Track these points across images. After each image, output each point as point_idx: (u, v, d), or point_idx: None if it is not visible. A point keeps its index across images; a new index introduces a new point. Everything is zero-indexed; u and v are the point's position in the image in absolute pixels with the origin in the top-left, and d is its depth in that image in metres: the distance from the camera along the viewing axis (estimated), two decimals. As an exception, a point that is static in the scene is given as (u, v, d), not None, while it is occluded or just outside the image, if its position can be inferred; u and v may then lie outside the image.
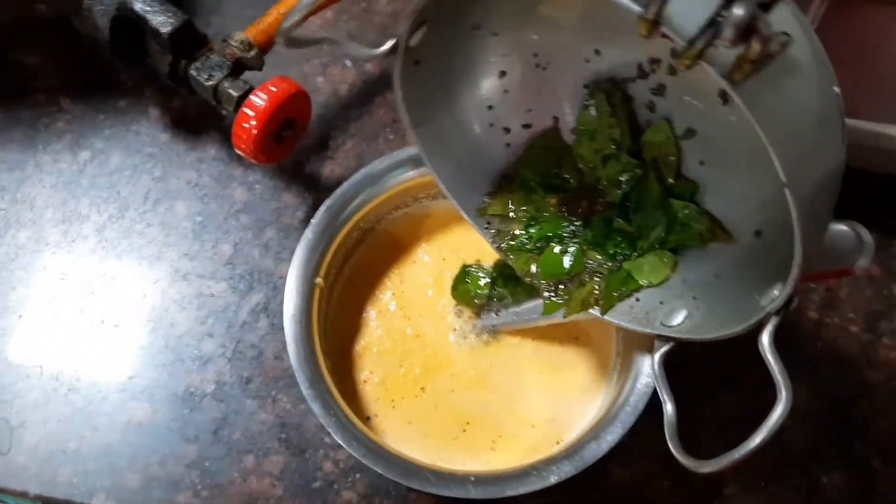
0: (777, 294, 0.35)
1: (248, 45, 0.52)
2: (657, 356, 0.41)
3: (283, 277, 0.55)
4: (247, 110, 0.49)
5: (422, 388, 0.49)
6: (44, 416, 0.52)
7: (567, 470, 0.42)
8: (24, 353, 0.53)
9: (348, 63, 0.62)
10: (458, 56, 0.43)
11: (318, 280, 0.47)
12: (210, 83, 0.51)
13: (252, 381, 0.53)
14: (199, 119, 0.60)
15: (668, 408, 0.40)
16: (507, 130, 0.46)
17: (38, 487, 0.50)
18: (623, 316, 0.43)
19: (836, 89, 0.32)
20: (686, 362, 0.45)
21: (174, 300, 0.55)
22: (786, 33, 0.26)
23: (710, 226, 0.42)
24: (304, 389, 0.43)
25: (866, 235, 0.33)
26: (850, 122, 0.51)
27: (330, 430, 0.42)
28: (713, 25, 0.26)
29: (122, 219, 0.57)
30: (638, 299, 0.43)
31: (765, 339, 0.34)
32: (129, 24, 0.52)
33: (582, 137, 0.45)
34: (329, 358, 0.47)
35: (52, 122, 0.60)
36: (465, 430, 0.47)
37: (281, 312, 0.54)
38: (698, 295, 0.42)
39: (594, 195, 0.45)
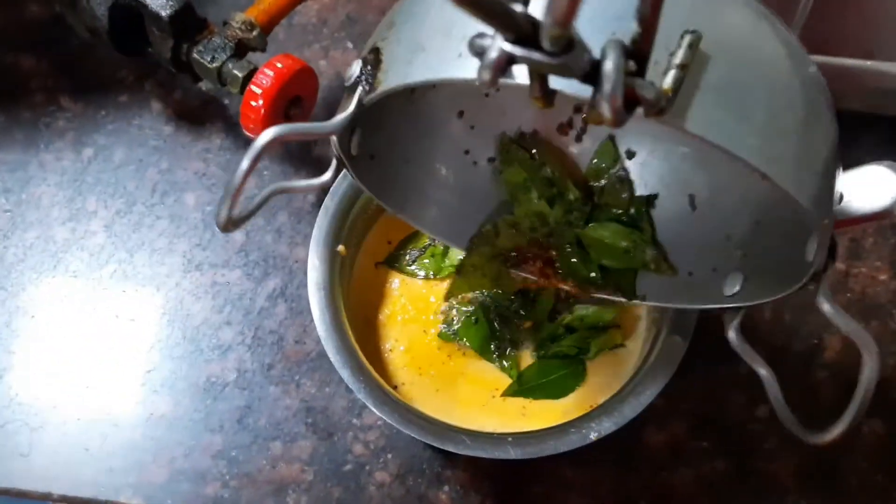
0: (816, 248, 0.34)
1: (250, 26, 0.51)
2: (731, 332, 0.40)
3: (299, 261, 0.54)
4: (254, 88, 0.48)
5: (448, 355, 0.47)
6: (63, 416, 0.51)
7: (607, 426, 0.40)
8: (38, 354, 0.52)
9: (350, 45, 0.61)
10: (407, 127, 0.42)
11: (340, 248, 0.46)
12: (214, 65, 0.50)
13: (274, 367, 0.52)
14: (202, 109, 0.59)
15: (765, 374, 0.38)
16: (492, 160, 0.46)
17: (62, 488, 0.49)
18: (685, 297, 0.42)
19: (812, 69, 0.30)
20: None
21: (189, 291, 0.54)
22: (694, 33, 0.25)
23: (656, 256, 0.42)
24: (332, 356, 0.42)
25: None
26: (868, 63, 0.51)
27: (360, 396, 0.41)
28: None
29: (130, 213, 0.56)
30: (691, 273, 0.42)
31: (824, 304, 0.33)
32: (128, 12, 0.51)
33: (516, 196, 0.44)
34: (353, 328, 0.45)
35: (53, 122, 0.59)
36: (493, 397, 0.46)
37: (299, 297, 0.53)
38: (746, 250, 0.41)
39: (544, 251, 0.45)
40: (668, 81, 0.25)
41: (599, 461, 0.49)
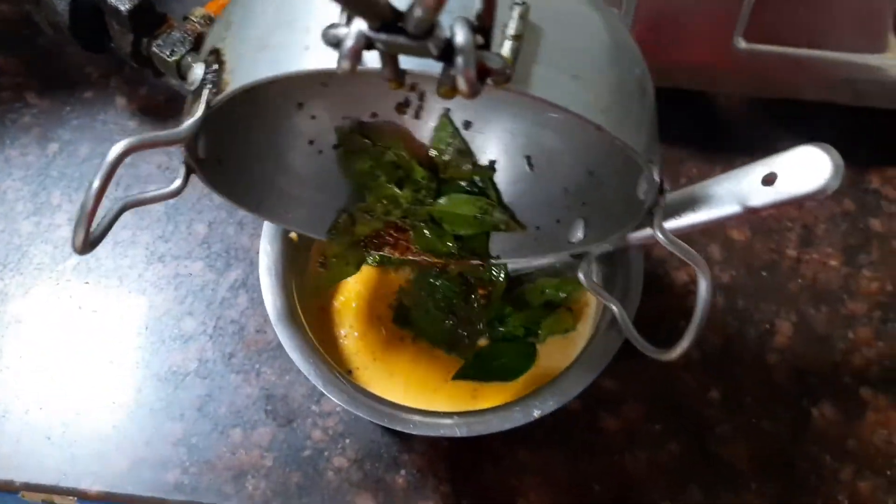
0: (647, 186, 0.35)
1: (209, 19, 0.52)
2: (581, 274, 0.42)
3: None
4: (211, 80, 0.48)
5: (401, 339, 0.48)
6: (25, 405, 0.51)
7: (550, 405, 0.41)
8: (1, 344, 0.53)
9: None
10: (249, 125, 0.42)
11: (293, 234, 0.47)
12: (173, 59, 0.51)
13: (235, 356, 0.52)
14: (165, 105, 0.60)
15: (615, 308, 0.40)
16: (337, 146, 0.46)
17: (25, 476, 0.50)
18: (535, 249, 0.44)
19: (625, 33, 0.32)
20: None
21: (151, 282, 0.54)
22: (522, 4, 0.26)
23: (504, 218, 0.44)
24: (283, 339, 0.43)
25: (835, 156, 0.33)
26: (818, 53, 0.52)
27: (310, 378, 0.42)
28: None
29: (94, 206, 0.56)
30: (538, 227, 0.44)
31: (658, 235, 0.35)
32: (89, 7, 0.52)
33: (365, 183, 0.45)
34: (308, 314, 0.46)
35: (19, 118, 0.59)
36: (446, 381, 0.47)
37: (260, 288, 0.53)
38: (584, 199, 0.42)
39: (401, 231, 0.46)
40: (506, 51, 0.26)
41: (554, 444, 0.50)
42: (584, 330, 0.47)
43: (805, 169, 0.33)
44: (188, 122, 0.32)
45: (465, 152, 0.44)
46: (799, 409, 0.51)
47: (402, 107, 0.44)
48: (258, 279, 0.54)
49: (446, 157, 0.43)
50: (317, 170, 0.44)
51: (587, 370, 0.42)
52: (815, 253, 0.55)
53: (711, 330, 0.53)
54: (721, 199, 0.36)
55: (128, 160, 0.57)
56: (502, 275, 0.48)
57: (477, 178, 0.44)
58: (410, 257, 0.44)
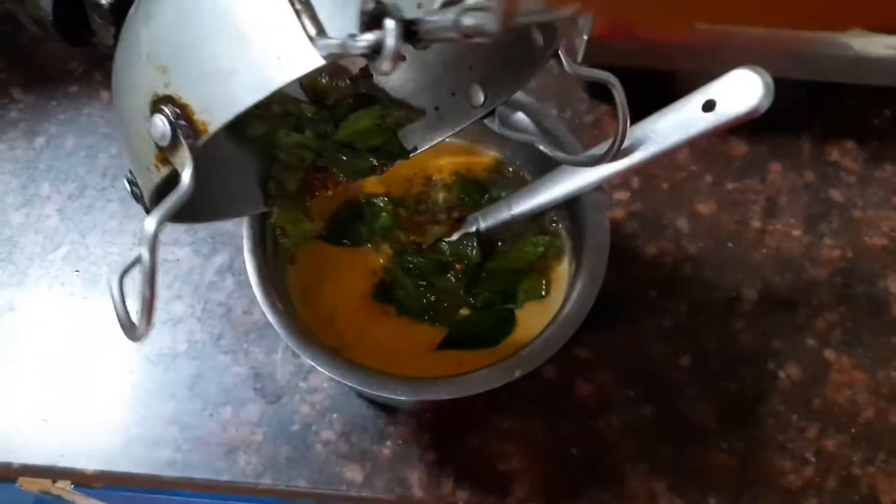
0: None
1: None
2: (496, 126, 0.44)
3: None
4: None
5: (385, 314, 0.50)
6: (21, 389, 0.53)
7: (530, 363, 0.43)
8: (-4, 332, 0.55)
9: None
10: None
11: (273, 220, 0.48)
12: (155, 51, 0.52)
13: (223, 337, 0.54)
14: (149, 97, 0.61)
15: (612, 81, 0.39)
16: None
17: (22, 457, 0.51)
18: (446, 128, 0.46)
19: None
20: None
21: (139, 269, 0.56)
22: None
23: (402, 114, 0.45)
24: (271, 319, 0.44)
25: (765, 76, 0.36)
26: (775, 32, 0.54)
27: (290, 344, 0.43)
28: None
29: (81, 197, 0.58)
30: (438, 107, 0.45)
31: (566, 67, 0.36)
32: (71, 2, 0.53)
33: (270, 143, 0.44)
34: (295, 294, 0.48)
35: (5, 113, 0.61)
36: (430, 350, 0.49)
37: (245, 271, 0.55)
38: (470, 64, 0.44)
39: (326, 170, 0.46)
40: None
41: (532, 413, 0.52)
42: (558, 295, 0.49)
43: (740, 91, 0.37)
44: (187, 177, 0.30)
45: (338, 70, 0.44)
46: (765, 372, 0.54)
47: None
48: (244, 263, 0.55)
49: (324, 82, 0.43)
50: (223, 158, 0.44)
51: (562, 330, 0.44)
52: (778, 223, 0.58)
53: (680, 299, 0.55)
54: (667, 131, 0.40)
55: (113, 151, 0.59)
56: (474, 250, 0.50)
57: (361, 89, 0.44)
58: (343, 188, 0.45)
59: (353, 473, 0.51)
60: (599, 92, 0.62)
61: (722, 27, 0.53)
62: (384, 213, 0.52)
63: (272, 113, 0.43)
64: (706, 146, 0.60)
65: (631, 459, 0.51)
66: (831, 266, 0.57)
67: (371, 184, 0.53)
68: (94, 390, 0.53)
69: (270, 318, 0.44)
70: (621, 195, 0.58)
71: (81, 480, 0.52)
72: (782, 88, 0.58)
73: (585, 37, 0.54)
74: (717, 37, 0.53)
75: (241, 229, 0.56)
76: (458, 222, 0.51)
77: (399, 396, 0.43)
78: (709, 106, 0.38)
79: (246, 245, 0.47)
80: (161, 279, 0.56)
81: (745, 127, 0.60)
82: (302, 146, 0.44)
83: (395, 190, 0.53)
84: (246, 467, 0.51)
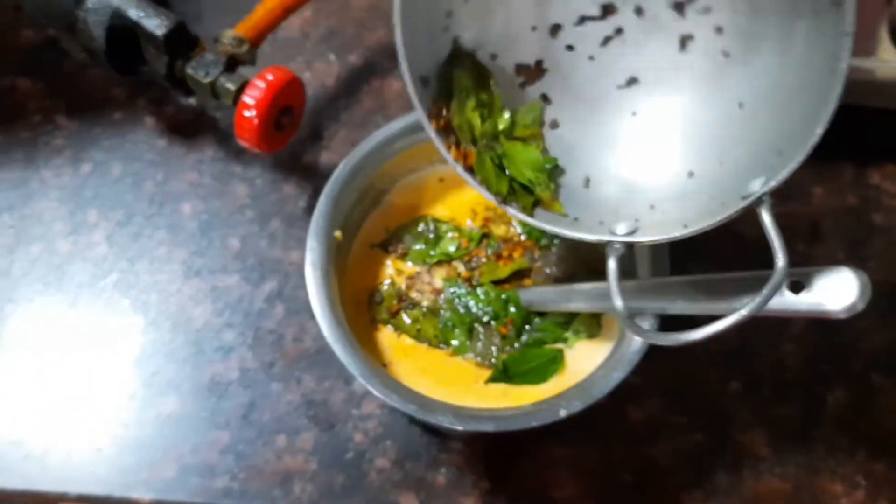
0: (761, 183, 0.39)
1: (240, 41, 0.54)
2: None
3: (293, 264, 0.57)
4: (246, 99, 0.51)
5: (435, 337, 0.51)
6: (74, 419, 0.53)
7: (576, 405, 0.43)
8: (50, 360, 0.55)
9: (332, 57, 0.64)
10: None
11: (337, 233, 0.49)
12: (207, 80, 0.53)
13: (275, 365, 0.54)
14: (193, 123, 0.62)
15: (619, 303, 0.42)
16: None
17: (77, 488, 0.51)
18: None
19: None
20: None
21: (189, 296, 0.56)
22: None
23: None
24: (325, 331, 0.45)
25: (864, 280, 0.36)
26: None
27: (349, 369, 0.44)
28: None
29: (129, 224, 0.58)
30: (653, 206, 0.45)
31: (765, 217, 0.38)
32: (124, 32, 0.54)
33: (459, 95, 0.46)
34: (347, 308, 0.49)
35: (51, 140, 0.61)
36: (477, 382, 0.49)
37: (295, 297, 0.56)
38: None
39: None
40: None
41: (584, 440, 0.53)
42: (610, 335, 0.50)
43: (835, 286, 0.36)
44: None
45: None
46: (814, 396, 0.54)
47: (522, 70, 0.47)
48: (292, 290, 0.56)
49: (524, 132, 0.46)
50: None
51: (612, 373, 0.44)
52: (822, 248, 0.58)
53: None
54: (743, 294, 0.39)
55: (159, 178, 0.60)
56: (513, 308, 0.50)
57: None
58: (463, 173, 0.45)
59: (409, 500, 0.51)
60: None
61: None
62: (450, 238, 0.52)
63: (481, 92, 0.46)
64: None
65: (685, 486, 0.51)
66: (876, 289, 0.55)
67: (436, 207, 0.54)
68: (148, 419, 0.53)
69: (328, 336, 0.45)
70: (665, 219, 0.59)
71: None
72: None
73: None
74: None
75: (288, 256, 0.57)
76: (519, 277, 0.52)
77: (443, 424, 0.43)
78: (796, 288, 0.37)
79: (308, 257, 0.48)
80: (211, 307, 0.56)
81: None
82: (470, 127, 0.46)
83: (459, 217, 0.54)
84: (301, 495, 0.51)
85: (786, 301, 0.38)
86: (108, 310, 0.56)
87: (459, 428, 0.43)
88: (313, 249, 0.47)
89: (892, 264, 0.58)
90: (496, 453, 0.52)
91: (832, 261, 0.58)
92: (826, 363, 0.55)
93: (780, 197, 0.59)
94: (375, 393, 0.44)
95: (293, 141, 0.60)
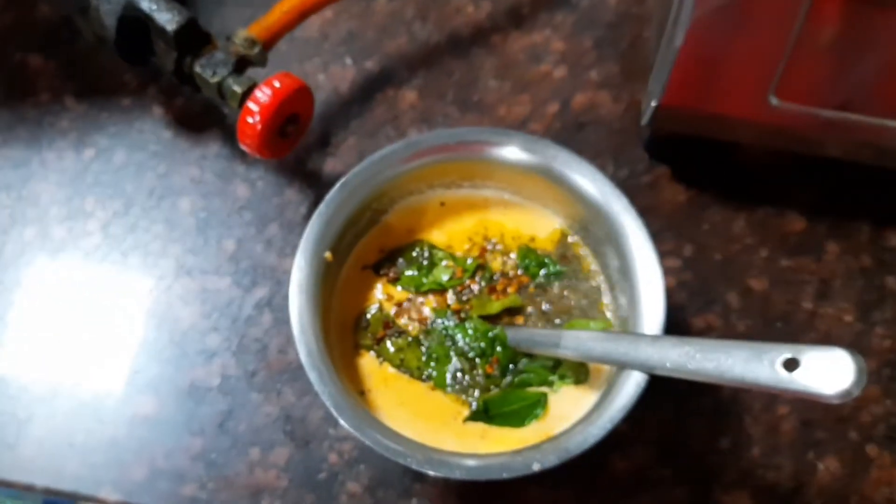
0: None
1: (252, 43, 0.53)
2: None
3: (287, 272, 0.55)
4: (251, 105, 0.49)
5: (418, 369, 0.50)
6: (51, 409, 0.52)
7: (550, 459, 0.42)
8: (31, 348, 0.54)
9: (349, 61, 0.63)
10: None
11: (327, 254, 0.48)
12: (214, 80, 0.52)
13: (257, 375, 0.53)
14: (201, 117, 0.61)
15: None
16: None
17: (45, 480, 0.51)
18: None
19: None
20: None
21: (178, 295, 0.55)
22: None
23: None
24: (303, 357, 0.44)
25: (861, 365, 0.34)
26: (845, 115, 0.53)
27: (323, 398, 0.43)
28: None
29: (126, 215, 0.58)
30: None
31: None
32: (135, 23, 0.52)
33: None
34: (332, 331, 0.48)
35: (57, 121, 0.60)
36: (455, 419, 0.48)
37: (285, 307, 0.54)
38: None
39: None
40: None
41: (564, 484, 0.51)
42: (598, 383, 0.48)
43: (830, 368, 0.34)
44: None
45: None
46: (804, 462, 0.52)
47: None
48: (283, 299, 0.55)
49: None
50: None
51: (590, 429, 0.43)
52: (830, 307, 0.56)
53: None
54: (733, 363, 0.38)
55: (161, 170, 0.59)
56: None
57: None
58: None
59: (377, 529, 0.50)
60: (659, 152, 0.60)
61: (796, 107, 0.52)
62: (445, 267, 0.51)
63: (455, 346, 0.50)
64: (763, 218, 0.59)
65: (661, 543, 0.50)
66: (881, 357, 0.55)
67: (434, 232, 0.53)
68: (124, 418, 0.52)
69: (305, 363, 0.44)
70: (672, 262, 0.57)
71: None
72: (845, 168, 0.58)
73: (654, 104, 0.53)
74: (792, 118, 0.52)
75: (283, 264, 0.56)
76: (510, 314, 0.51)
77: (411, 466, 0.42)
78: (789, 366, 0.36)
79: (294, 277, 0.47)
80: (199, 308, 0.55)
81: (806, 202, 0.59)
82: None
83: (456, 245, 0.52)
84: (269, 512, 0.50)
85: (779, 379, 0.36)
86: (95, 302, 0.55)
87: (426, 471, 0.42)
88: (301, 269, 0.46)
89: (902, 332, 0.56)
90: (471, 491, 0.51)
91: (838, 322, 0.56)
92: (821, 430, 0.53)
93: (790, 250, 0.58)
94: (346, 426, 0.42)
95: (300, 145, 0.59)
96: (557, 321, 0.50)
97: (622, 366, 0.44)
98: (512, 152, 0.49)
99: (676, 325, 0.56)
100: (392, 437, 0.43)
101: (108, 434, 0.52)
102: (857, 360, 0.34)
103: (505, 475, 0.42)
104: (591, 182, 0.48)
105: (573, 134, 0.61)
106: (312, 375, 0.43)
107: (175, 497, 0.51)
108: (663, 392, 0.53)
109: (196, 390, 0.53)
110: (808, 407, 0.53)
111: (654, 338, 0.43)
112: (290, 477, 0.51)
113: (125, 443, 0.52)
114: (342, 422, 0.43)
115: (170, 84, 0.61)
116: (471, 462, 0.42)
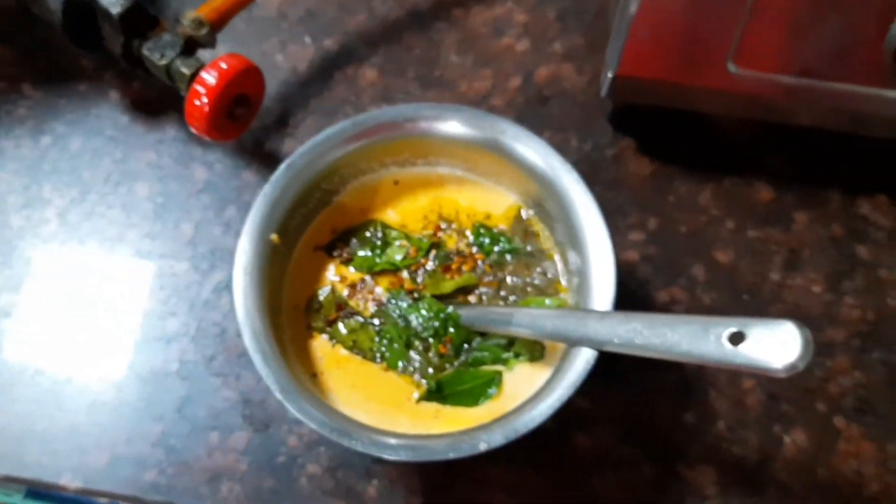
0: None
1: (200, 23, 0.52)
2: None
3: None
4: (197, 87, 0.49)
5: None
6: (11, 397, 0.52)
7: (497, 438, 0.41)
8: (-11, 338, 0.54)
9: (308, 39, 0.62)
10: None
11: (273, 236, 0.47)
12: (162, 62, 0.51)
13: (215, 359, 0.53)
14: (158, 100, 0.60)
15: None
16: None
17: (6, 468, 0.51)
18: None
19: None
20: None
21: (137, 281, 0.55)
22: None
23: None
24: (247, 341, 0.43)
25: (808, 337, 0.33)
26: (812, 82, 0.51)
27: (268, 383, 0.42)
28: None
29: (83, 202, 0.57)
30: None
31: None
32: (81, 8, 0.52)
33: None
34: (283, 313, 0.48)
35: (14, 109, 0.60)
36: (409, 399, 0.48)
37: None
38: None
39: None
40: None
41: (526, 463, 0.51)
42: (553, 360, 0.47)
43: (777, 341, 0.33)
44: None
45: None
46: (771, 436, 0.51)
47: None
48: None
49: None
50: None
51: (541, 409, 0.42)
52: (798, 278, 0.55)
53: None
54: (679, 339, 0.37)
55: (118, 155, 0.58)
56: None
57: None
58: None
59: (337, 511, 0.50)
60: (623, 125, 0.59)
61: (759, 74, 0.50)
62: (399, 247, 0.50)
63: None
64: (730, 188, 0.58)
65: (623, 520, 0.50)
66: (850, 328, 0.54)
67: (387, 211, 0.52)
68: (83, 405, 0.52)
69: (249, 347, 0.44)
70: (636, 236, 0.56)
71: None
72: (815, 136, 0.56)
73: (611, 74, 0.52)
74: (753, 85, 0.50)
75: (242, 246, 0.55)
76: (464, 293, 0.50)
77: (357, 448, 0.41)
78: (736, 339, 0.35)
79: (239, 261, 0.46)
80: (158, 293, 0.55)
81: (773, 171, 0.58)
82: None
83: (410, 223, 0.51)
84: (228, 496, 0.50)
85: (724, 353, 0.35)
86: (52, 289, 0.55)
87: (371, 453, 0.41)
88: (246, 252, 0.46)
89: (872, 302, 0.55)
90: (432, 469, 0.51)
91: (807, 293, 0.55)
92: (788, 402, 0.52)
93: (758, 220, 0.56)
94: (291, 410, 0.42)
95: (258, 126, 0.58)
96: (513, 299, 0.50)
97: (573, 343, 0.43)
98: (456, 127, 0.48)
99: (641, 299, 0.55)
100: (339, 420, 0.42)
101: (68, 421, 0.52)
102: (804, 332, 0.33)
103: (451, 455, 0.41)
104: (540, 156, 0.47)
105: (536, 108, 0.60)
106: (256, 359, 0.43)
107: (136, 483, 0.50)
108: (627, 369, 0.52)
109: (155, 376, 0.53)
110: (774, 380, 0.53)
111: (603, 314, 0.42)
112: (250, 460, 0.51)
113: (85, 430, 0.52)
114: (287, 405, 0.42)
115: (126, 68, 0.60)
116: (417, 444, 0.42)
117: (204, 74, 0.49)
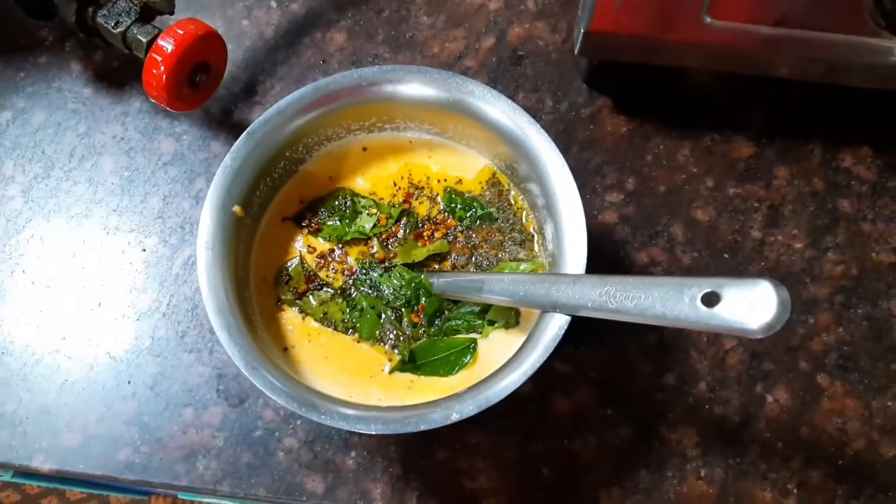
0: None
1: (156, -11, 0.50)
2: None
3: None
4: (154, 55, 0.47)
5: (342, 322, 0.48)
6: (-21, 380, 0.51)
7: (469, 409, 0.41)
8: (-45, 320, 0.53)
9: (273, 4, 0.60)
10: None
11: (236, 208, 0.46)
12: (118, 30, 0.49)
13: (187, 335, 0.52)
14: (121, 71, 0.58)
15: None
16: None
17: (-23, 452, 0.50)
18: None
19: None
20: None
21: (105, 257, 0.54)
22: None
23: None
24: (212, 317, 0.42)
25: (784, 296, 0.31)
26: (789, 31, 0.50)
27: (234, 360, 0.41)
28: None
29: (48, 178, 0.56)
30: None
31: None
32: (32, -25, 0.50)
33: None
34: (251, 287, 0.47)
35: (-28, 84, 0.58)
36: (382, 370, 0.47)
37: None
38: None
39: None
40: None
41: (505, 427, 0.50)
42: (529, 326, 0.46)
43: (752, 301, 0.31)
44: None
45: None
46: (753, 395, 0.51)
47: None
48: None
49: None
50: None
51: (513, 377, 0.41)
52: (779, 234, 0.54)
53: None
54: (653, 301, 0.36)
55: (82, 129, 0.57)
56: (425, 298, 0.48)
57: None
58: None
59: (315, 484, 0.49)
60: (599, 83, 0.58)
61: (735, 25, 0.49)
62: (369, 215, 0.49)
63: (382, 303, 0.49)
64: (709, 145, 0.56)
65: (605, 484, 0.49)
66: (833, 283, 0.53)
67: (356, 179, 0.51)
68: (53, 386, 0.51)
69: (214, 323, 0.42)
70: (614, 197, 0.55)
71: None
72: (796, 88, 0.55)
73: (583, 30, 0.50)
74: (730, 37, 0.49)
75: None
76: (437, 260, 0.49)
77: (325, 422, 0.40)
78: (710, 300, 0.33)
79: (201, 236, 0.45)
80: (127, 269, 0.54)
81: (754, 126, 0.57)
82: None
83: (380, 191, 0.50)
84: (205, 472, 0.49)
85: (699, 315, 0.34)
86: (18, 268, 0.54)
87: (341, 426, 0.40)
88: (207, 227, 0.44)
89: (855, 257, 0.54)
90: (410, 438, 0.50)
91: (788, 249, 0.54)
92: (770, 361, 0.51)
93: (738, 177, 0.55)
94: (258, 385, 0.41)
95: (225, 95, 0.57)
96: (486, 265, 0.48)
97: (546, 309, 0.42)
98: (421, 90, 0.47)
99: (620, 261, 0.54)
100: (308, 394, 0.41)
101: (39, 402, 0.51)
102: (780, 290, 0.32)
103: (423, 427, 0.40)
104: (509, 117, 0.45)
105: (510, 68, 0.58)
106: (222, 335, 0.42)
107: (110, 462, 0.50)
108: (606, 330, 0.52)
109: (126, 353, 0.52)
110: (756, 341, 0.52)
111: (576, 278, 0.41)
112: (226, 436, 0.50)
113: (56, 410, 0.51)
114: (254, 381, 0.41)
115: (87, 38, 0.59)
116: (388, 415, 0.41)
117: (160, 41, 0.47)
